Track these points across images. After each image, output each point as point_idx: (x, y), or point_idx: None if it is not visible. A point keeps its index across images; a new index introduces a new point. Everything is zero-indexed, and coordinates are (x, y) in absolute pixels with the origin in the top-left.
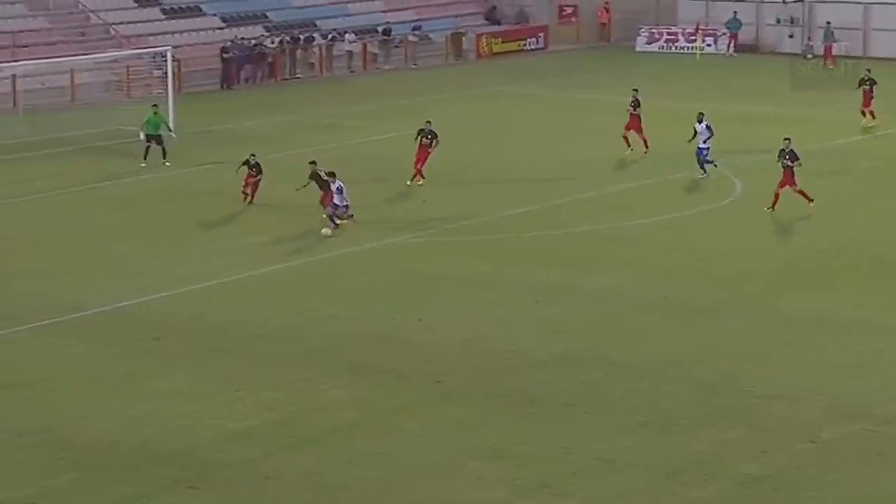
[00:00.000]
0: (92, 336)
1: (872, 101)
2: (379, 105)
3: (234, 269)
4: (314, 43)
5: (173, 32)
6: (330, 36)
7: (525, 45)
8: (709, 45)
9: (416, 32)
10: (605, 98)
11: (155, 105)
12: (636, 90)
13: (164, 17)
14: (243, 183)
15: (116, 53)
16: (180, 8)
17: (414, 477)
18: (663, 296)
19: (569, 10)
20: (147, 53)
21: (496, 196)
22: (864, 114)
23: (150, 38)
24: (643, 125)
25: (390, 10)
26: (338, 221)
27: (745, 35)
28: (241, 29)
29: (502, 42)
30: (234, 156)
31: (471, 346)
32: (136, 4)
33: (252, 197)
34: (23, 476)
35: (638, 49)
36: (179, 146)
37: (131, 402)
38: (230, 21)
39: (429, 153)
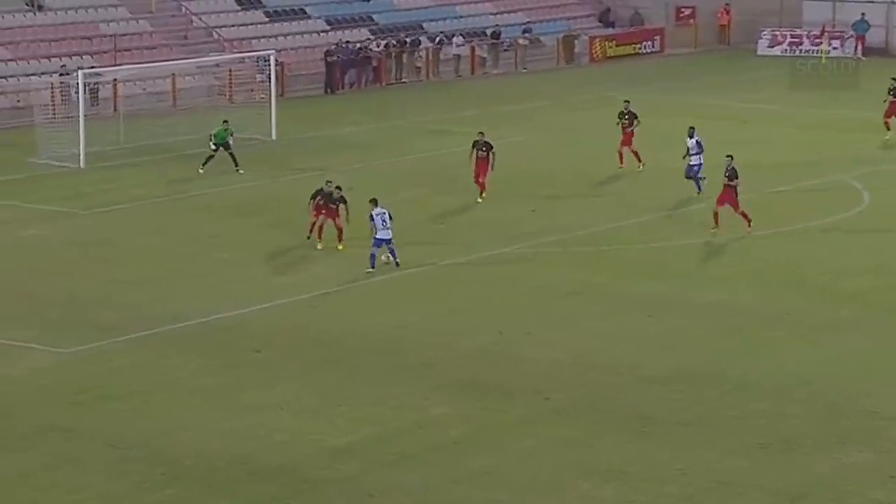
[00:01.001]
0: (191, 347)
1: None
2: (487, 111)
3: (336, 280)
4: (421, 46)
5: (277, 36)
6: (437, 39)
7: (640, 48)
8: (835, 48)
9: (527, 35)
10: (724, 104)
11: (226, 121)
12: (628, 101)
13: (267, 20)
14: (314, 215)
15: (219, 57)
16: (284, 11)
17: (521, 497)
18: (785, 311)
19: (686, 12)
20: (250, 57)
21: (606, 205)
22: (887, 125)
23: (254, 41)
24: (634, 139)
25: (500, 13)
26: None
27: (873, 37)
28: (346, 32)
29: (616, 45)
30: (335, 163)
31: (580, 362)
32: (239, 7)
33: (333, 235)
34: (120, 491)
35: (759, 52)
36: (280, 152)
37: (230, 416)
38: (335, 24)
39: (488, 166)
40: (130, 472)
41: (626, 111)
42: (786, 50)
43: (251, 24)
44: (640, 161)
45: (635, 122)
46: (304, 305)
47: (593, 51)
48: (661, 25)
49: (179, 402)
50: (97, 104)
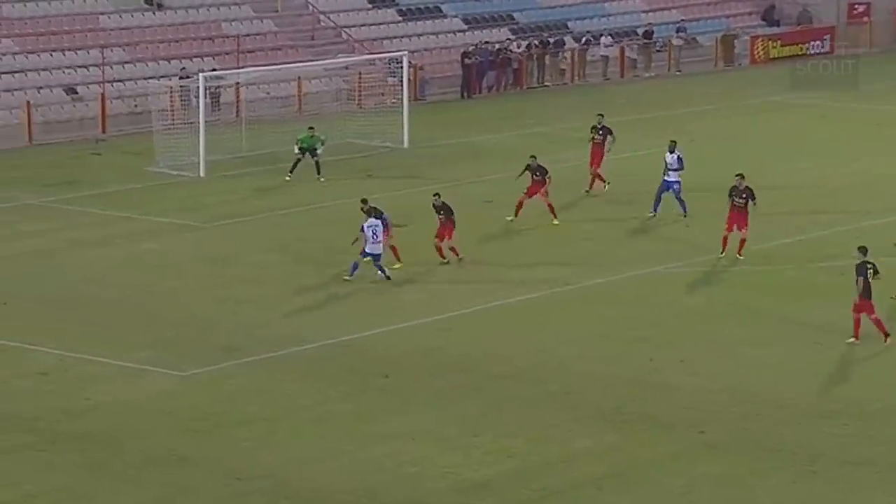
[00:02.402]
0: (315, 372)
1: None
2: (637, 117)
3: (470, 300)
4: (565, 47)
5: (410, 36)
6: (583, 39)
7: (808, 48)
8: None
9: (682, 35)
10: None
11: (311, 127)
12: (602, 115)
13: (400, 18)
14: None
15: (348, 59)
16: (418, 9)
17: None
18: None
19: (860, 9)
20: (381, 59)
21: (771, 221)
22: None
23: (385, 42)
24: (604, 158)
25: (652, 10)
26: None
27: None
28: (485, 32)
29: (781, 45)
30: (471, 173)
31: (740, 393)
32: (370, 5)
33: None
34: None
35: None
36: (413, 161)
37: (357, 446)
38: (473, 23)
39: (541, 189)
40: None
41: (599, 125)
42: None
43: (383, 23)
44: (604, 182)
45: (609, 138)
46: (436, 327)
47: (755, 51)
48: (832, 24)
49: (303, 430)
50: (218, 109)
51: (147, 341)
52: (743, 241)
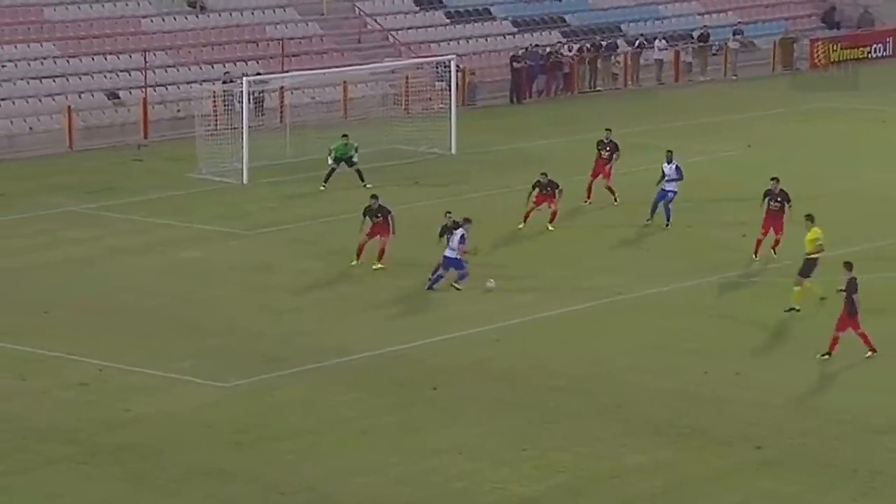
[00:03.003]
0: (361, 383)
1: None
2: (693, 122)
3: (521, 311)
4: (618, 51)
5: (458, 39)
6: (637, 42)
7: (870, 51)
8: None
9: (738, 38)
10: None
11: (345, 135)
12: (609, 130)
13: (448, 21)
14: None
15: (395, 63)
16: (466, 11)
17: None
18: None
19: None
20: (429, 63)
21: (832, 230)
22: None
23: (433, 45)
24: (612, 172)
25: (708, 12)
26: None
27: None
28: (535, 34)
29: (842, 48)
30: (521, 180)
31: (797, 407)
32: (417, 8)
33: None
34: None
35: None
36: (461, 167)
37: (404, 460)
38: (522, 26)
39: (550, 201)
40: None
41: (606, 140)
42: None
43: (430, 26)
44: (614, 196)
45: (616, 154)
46: (486, 338)
47: (815, 55)
48: (895, 26)
49: (348, 443)
50: (262, 114)
51: (188, 351)
52: (777, 240)
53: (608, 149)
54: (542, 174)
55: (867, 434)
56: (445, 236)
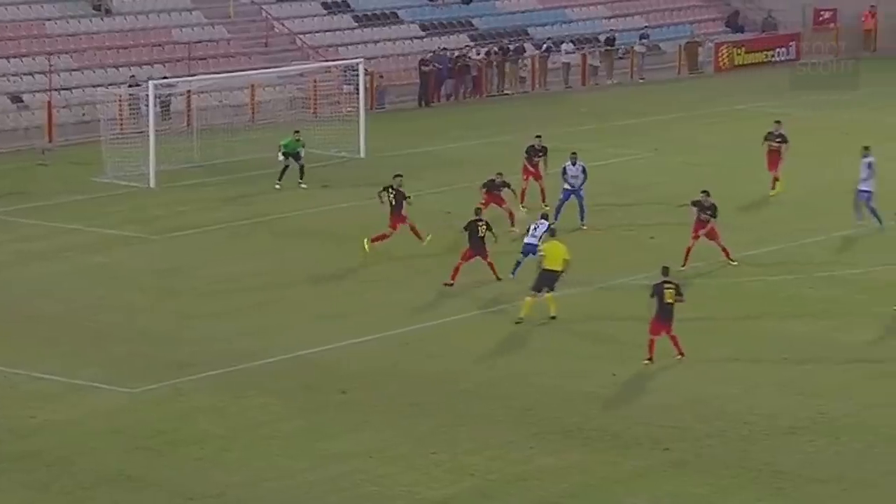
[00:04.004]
0: (272, 388)
1: None
2: (600, 125)
3: (432, 314)
4: (526, 54)
5: (366, 43)
6: (544, 46)
7: (773, 55)
8: None
9: (645, 42)
10: (871, 119)
11: (297, 131)
12: (539, 136)
13: (356, 25)
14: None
15: (302, 66)
16: (374, 15)
17: None
18: None
19: (826, 15)
20: (337, 66)
21: (736, 233)
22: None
23: (341, 49)
24: (543, 175)
25: (615, 16)
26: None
27: None
28: (443, 38)
29: (746, 52)
30: (432, 183)
31: (705, 409)
32: (325, 11)
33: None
34: None
35: None
36: (370, 171)
37: (314, 465)
38: (430, 29)
39: (500, 202)
40: None
41: (537, 146)
42: None
43: (338, 29)
44: (544, 201)
45: (544, 158)
46: (395, 342)
47: (719, 59)
48: (797, 30)
49: (258, 448)
50: (169, 118)
51: (97, 357)
52: (724, 249)
53: (539, 154)
54: (499, 174)
55: (773, 435)
56: (530, 226)
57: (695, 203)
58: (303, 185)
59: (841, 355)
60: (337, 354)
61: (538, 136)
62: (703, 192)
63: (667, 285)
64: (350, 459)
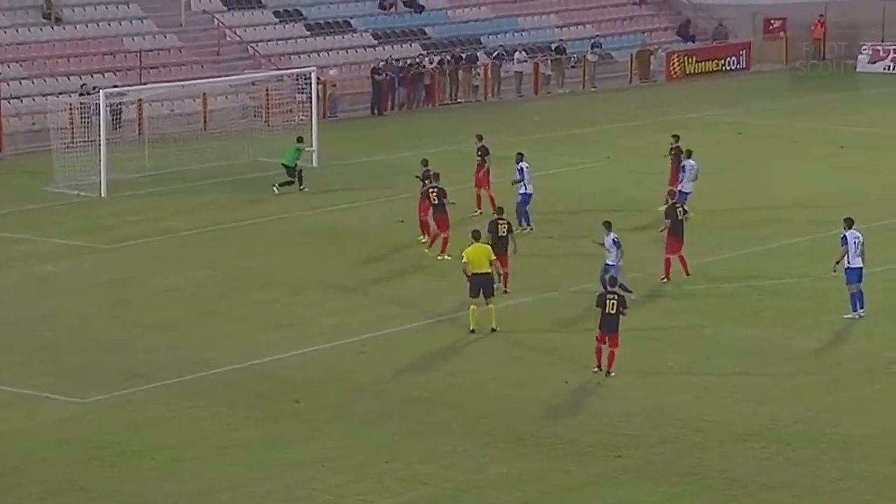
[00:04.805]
0: (224, 398)
1: None
2: (552, 134)
3: (386, 322)
4: (478, 63)
5: (319, 51)
6: (496, 54)
7: (724, 64)
8: None
9: (596, 50)
10: (818, 126)
11: (301, 139)
12: (480, 136)
13: (308, 33)
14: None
15: (255, 75)
16: (327, 23)
17: None
18: (891, 361)
19: (776, 24)
20: (289, 75)
21: (693, 239)
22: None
23: (293, 57)
24: (491, 179)
25: (566, 25)
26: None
27: None
28: (396, 47)
29: (697, 61)
30: (385, 192)
31: (657, 416)
32: (277, 20)
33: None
34: None
35: (859, 69)
36: (323, 180)
37: (267, 474)
38: (383, 38)
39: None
40: None
41: (478, 146)
42: (889, 66)
43: (290, 38)
44: (494, 206)
45: (487, 158)
46: (350, 350)
47: (671, 67)
48: (748, 39)
49: (210, 458)
50: (120, 127)
51: (47, 367)
52: (683, 260)
53: (479, 153)
54: (425, 164)
55: (725, 442)
56: (608, 235)
57: (666, 213)
58: (274, 190)
59: (792, 363)
60: (290, 363)
61: (479, 136)
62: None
63: (609, 296)
64: (304, 468)
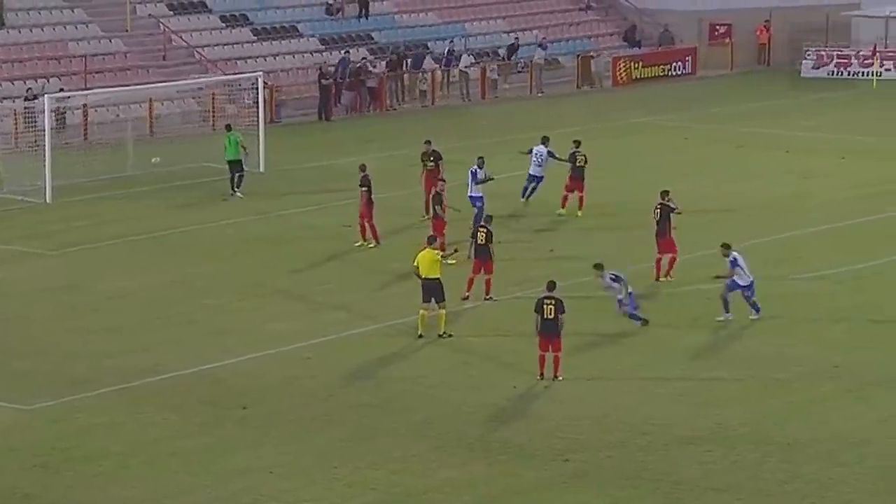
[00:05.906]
0: (170, 404)
1: None
2: (499, 139)
3: (333, 328)
4: (425, 67)
5: (265, 56)
6: (443, 59)
7: (670, 69)
8: (888, 70)
9: (543, 55)
10: (765, 131)
11: (228, 126)
12: (429, 141)
13: (255, 38)
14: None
15: (201, 80)
16: (273, 28)
17: None
18: (834, 364)
19: (721, 30)
20: (235, 80)
21: (631, 245)
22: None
23: (240, 62)
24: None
25: (513, 30)
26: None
27: None
28: (342, 52)
29: (643, 66)
30: (331, 197)
31: (604, 420)
32: (223, 25)
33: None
34: None
35: (803, 74)
36: (270, 185)
37: (215, 481)
38: (330, 43)
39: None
40: None
41: (429, 151)
42: (833, 71)
43: (237, 43)
44: (426, 214)
45: (440, 163)
46: (297, 356)
47: (617, 72)
48: (694, 45)
49: (157, 465)
50: (65, 131)
51: None
52: (663, 261)
53: (432, 158)
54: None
55: (671, 445)
56: (602, 278)
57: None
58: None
59: (737, 366)
60: (237, 369)
61: (428, 142)
62: (663, 192)
63: (547, 301)
64: (251, 475)
